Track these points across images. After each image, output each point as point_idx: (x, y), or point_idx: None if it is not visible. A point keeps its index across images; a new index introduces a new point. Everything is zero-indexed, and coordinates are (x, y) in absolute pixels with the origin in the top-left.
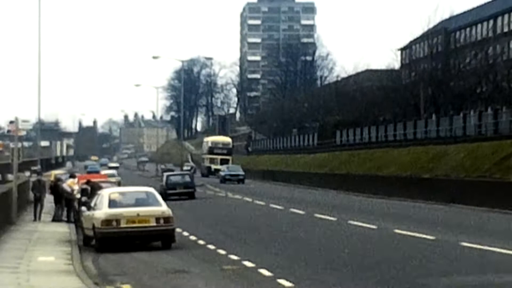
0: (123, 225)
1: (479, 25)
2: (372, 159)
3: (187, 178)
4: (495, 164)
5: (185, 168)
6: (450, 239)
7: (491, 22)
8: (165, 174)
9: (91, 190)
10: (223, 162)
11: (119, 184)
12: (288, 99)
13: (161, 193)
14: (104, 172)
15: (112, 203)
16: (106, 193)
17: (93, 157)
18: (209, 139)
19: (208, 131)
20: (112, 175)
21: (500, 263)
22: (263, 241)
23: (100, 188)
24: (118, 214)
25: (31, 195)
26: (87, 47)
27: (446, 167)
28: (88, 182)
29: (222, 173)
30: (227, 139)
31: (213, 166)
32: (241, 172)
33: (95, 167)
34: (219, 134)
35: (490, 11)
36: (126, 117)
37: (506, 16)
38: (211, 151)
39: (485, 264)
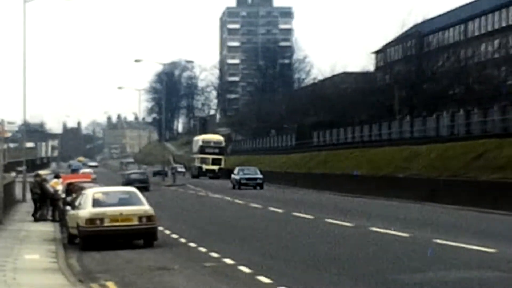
0: (106, 224)
1: (451, 29)
2: (348, 159)
3: (142, 176)
4: (467, 164)
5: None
6: (423, 236)
7: (463, 26)
8: (127, 171)
9: (70, 191)
10: (215, 162)
11: (94, 180)
12: (266, 101)
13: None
14: (83, 170)
15: (96, 203)
16: (90, 193)
17: (81, 158)
18: (200, 138)
19: (189, 132)
20: (89, 173)
21: (471, 260)
22: (243, 239)
23: (81, 189)
24: (102, 213)
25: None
26: (71, 50)
27: (419, 166)
28: (69, 184)
29: (235, 177)
30: (219, 137)
31: (205, 166)
32: (260, 175)
33: (78, 165)
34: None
35: (462, 15)
36: (109, 118)
37: (477, 20)
38: (202, 150)
39: (457, 261)
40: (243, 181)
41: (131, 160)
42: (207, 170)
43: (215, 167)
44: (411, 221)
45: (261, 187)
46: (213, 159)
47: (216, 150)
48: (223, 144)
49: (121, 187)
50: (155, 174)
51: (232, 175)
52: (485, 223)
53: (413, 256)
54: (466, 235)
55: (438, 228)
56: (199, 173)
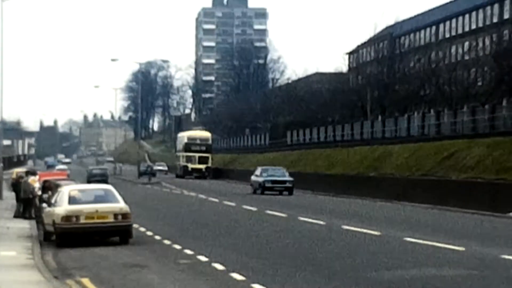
0: (82, 221)
1: (423, 31)
2: (321, 159)
3: (103, 171)
4: (437, 163)
5: (161, 168)
6: (394, 234)
7: (434, 28)
8: (89, 167)
9: (46, 189)
10: (202, 160)
11: (68, 176)
12: (241, 101)
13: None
14: (59, 166)
15: (72, 200)
16: (66, 190)
17: (60, 155)
18: (185, 134)
19: (165, 131)
20: (63, 169)
21: (441, 257)
22: (217, 236)
23: (57, 186)
24: (78, 211)
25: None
26: (48, 49)
27: (391, 166)
28: (45, 182)
29: (258, 179)
30: (206, 134)
31: (190, 165)
32: (288, 178)
33: (54, 162)
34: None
35: (433, 17)
36: (85, 117)
37: (447, 22)
38: (187, 148)
39: (427, 258)
40: (267, 185)
41: (110, 158)
42: (193, 169)
43: (202, 166)
44: (383, 219)
45: (291, 193)
46: (200, 157)
47: (203, 148)
48: (210, 141)
49: (97, 185)
50: (142, 174)
51: (253, 177)
52: (454, 222)
53: (385, 254)
54: (436, 233)
55: (409, 227)
56: (185, 173)
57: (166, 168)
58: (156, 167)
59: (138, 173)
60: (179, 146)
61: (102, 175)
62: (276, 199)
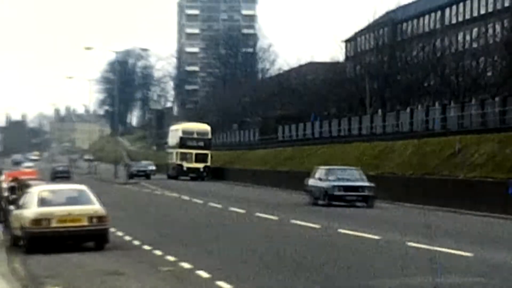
0: (53, 224)
1: (427, 16)
2: (315, 156)
3: (66, 168)
4: (443, 161)
5: (149, 167)
6: (396, 239)
7: (439, 13)
8: (53, 165)
9: (14, 189)
10: (200, 158)
11: (37, 175)
12: (228, 93)
13: (51, 176)
14: (26, 164)
15: (42, 202)
16: (36, 191)
17: (36, 153)
18: (180, 127)
19: (144, 126)
20: (30, 167)
21: (448, 264)
22: (202, 242)
23: (27, 186)
24: (49, 213)
25: None
26: (15, 36)
27: (392, 164)
28: (15, 180)
29: (321, 184)
30: (204, 126)
31: (186, 164)
32: (366, 183)
33: (20, 159)
34: (157, 129)
35: (438, 1)
36: (57, 111)
37: (454, 7)
38: (182, 143)
39: (432, 265)
40: (335, 192)
41: (90, 157)
42: (188, 168)
43: (200, 165)
44: (383, 222)
45: (370, 204)
46: (197, 155)
47: (201, 143)
48: (210, 135)
49: (70, 185)
50: (133, 176)
51: (312, 181)
52: (462, 225)
53: (385, 260)
54: (441, 237)
55: (412, 230)
56: (178, 173)
57: (153, 168)
58: (144, 168)
59: (127, 174)
60: (172, 141)
61: (65, 172)
62: (262, 197)
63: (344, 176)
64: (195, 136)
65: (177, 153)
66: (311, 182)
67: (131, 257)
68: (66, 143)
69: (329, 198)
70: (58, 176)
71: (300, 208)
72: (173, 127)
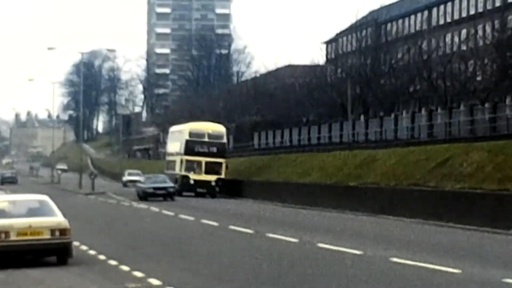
0: (13, 238)
1: (413, 17)
2: (294, 165)
3: (13, 175)
4: (429, 171)
5: (135, 178)
6: (379, 254)
7: (426, 13)
8: (2, 171)
9: None
10: (211, 168)
11: None
12: (201, 97)
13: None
14: None
15: (0, 213)
16: None
17: (8, 160)
18: (186, 128)
19: (111, 132)
20: None
21: (434, 281)
22: (172, 256)
23: None
24: (7, 226)
25: None
26: None
27: (375, 174)
28: None
29: None
30: (218, 127)
31: (193, 176)
32: None
33: None
34: (124, 135)
35: (425, 1)
36: (17, 116)
37: (441, 7)
38: (189, 148)
39: (417, 282)
40: None
41: (63, 167)
42: (196, 182)
43: (211, 178)
44: (365, 236)
45: None
46: (208, 164)
47: (213, 149)
48: (225, 138)
49: (31, 195)
50: (147, 196)
51: None
52: (449, 240)
53: (367, 277)
54: (427, 253)
55: (396, 245)
56: (183, 187)
57: (141, 179)
58: (132, 177)
59: (138, 194)
60: (174, 146)
61: (12, 178)
62: (237, 210)
63: None
64: (205, 139)
65: (181, 161)
66: None
67: (96, 273)
68: (32, 149)
69: None
70: (6, 181)
71: (275, 220)
72: (175, 128)
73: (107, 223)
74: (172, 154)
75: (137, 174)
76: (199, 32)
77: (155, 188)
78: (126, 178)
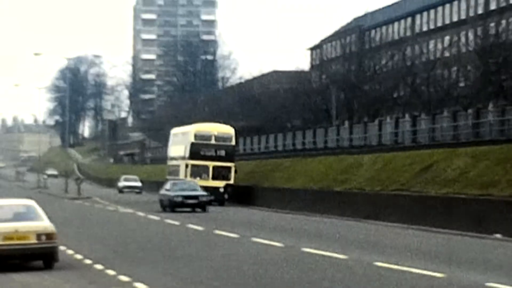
0: None
1: (396, 23)
2: (279, 170)
3: None
4: (413, 177)
5: (133, 184)
6: (363, 258)
7: (409, 20)
8: None
9: None
10: (219, 174)
11: None
12: (186, 103)
13: None
14: None
15: None
16: None
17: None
18: (192, 129)
19: (96, 138)
20: None
21: (417, 285)
22: (158, 260)
23: None
24: None
25: None
26: None
27: (360, 179)
28: None
29: None
30: (226, 129)
31: (199, 183)
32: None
33: None
34: (110, 140)
35: (408, 8)
36: (3, 121)
37: (425, 14)
38: (194, 152)
39: (401, 286)
40: None
41: (54, 172)
42: (203, 189)
43: (219, 184)
44: (350, 241)
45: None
46: (216, 169)
47: (222, 152)
48: (233, 140)
49: (17, 200)
50: (175, 206)
51: None
52: (433, 244)
53: (352, 281)
54: (411, 257)
55: (381, 250)
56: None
57: (139, 184)
58: (129, 183)
59: (161, 205)
60: (177, 150)
61: None
62: (223, 215)
63: None
64: (213, 141)
65: (186, 166)
66: None
67: (82, 277)
68: (24, 153)
69: None
70: None
71: (258, 225)
72: (178, 130)
73: (93, 228)
74: (175, 159)
75: (134, 180)
76: (185, 38)
77: (184, 197)
78: (122, 183)
